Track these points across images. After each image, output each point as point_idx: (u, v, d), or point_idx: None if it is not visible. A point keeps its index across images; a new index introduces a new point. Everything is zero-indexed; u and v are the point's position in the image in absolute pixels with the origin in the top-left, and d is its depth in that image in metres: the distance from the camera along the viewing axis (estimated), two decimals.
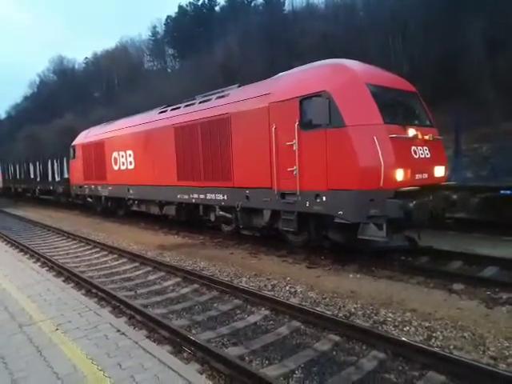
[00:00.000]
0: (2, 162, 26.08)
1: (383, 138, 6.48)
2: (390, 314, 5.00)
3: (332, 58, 8.47)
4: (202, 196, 10.31)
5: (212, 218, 10.56)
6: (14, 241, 11.81)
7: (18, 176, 29.95)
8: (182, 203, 11.41)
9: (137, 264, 8.66)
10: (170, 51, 58.50)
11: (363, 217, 6.52)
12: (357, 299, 5.67)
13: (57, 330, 4.09)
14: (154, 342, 4.59)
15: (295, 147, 7.46)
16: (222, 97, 9.87)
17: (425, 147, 7.13)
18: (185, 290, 6.74)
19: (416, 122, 7.51)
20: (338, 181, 6.80)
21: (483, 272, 6.64)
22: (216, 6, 56.06)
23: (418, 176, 6.89)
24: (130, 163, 13.64)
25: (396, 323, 4.76)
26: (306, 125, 7.34)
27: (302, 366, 4.00)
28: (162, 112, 12.36)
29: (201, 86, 24.04)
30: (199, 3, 56.55)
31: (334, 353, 4.23)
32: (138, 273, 8.05)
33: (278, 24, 33.69)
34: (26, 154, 37.07)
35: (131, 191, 13.72)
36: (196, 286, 6.88)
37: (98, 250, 10.44)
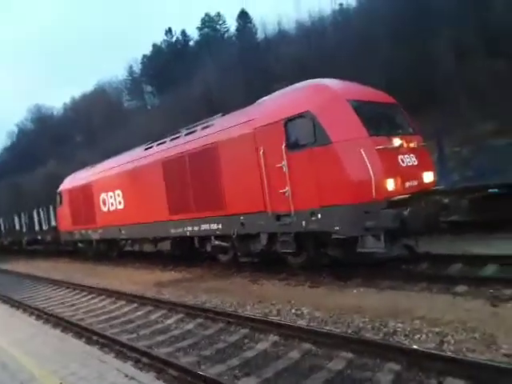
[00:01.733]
0: None
1: (370, 150, 6.59)
2: (399, 324, 4.97)
3: (304, 79, 8.58)
4: (195, 228, 10.13)
5: (208, 248, 10.34)
6: (4, 296, 11.45)
7: (2, 229, 29.37)
8: (176, 237, 11.17)
9: (136, 305, 8.45)
10: (148, 88, 59.38)
11: (360, 230, 6.55)
12: (364, 313, 5.61)
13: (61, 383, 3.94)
14: (165, 382, 4.46)
15: (285, 169, 7.51)
16: (208, 127, 9.91)
17: (411, 155, 7.26)
18: (189, 326, 6.58)
19: (400, 131, 7.66)
20: (330, 197, 6.85)
21: (484, 271, 6.71)
22: (190, 41, 57.58)
23: (408, 184, 6.99)
24: (120, 203, 13.40)
25: (406, 332, 4.72)
26: (293, 146, 7.45)
27: None
28: (148, 148, 12.33)
29: (181, 119, 24.30)
30: (173, 40, 58.04)
31: (349, 371, 4.16)
32: (138, 314, 7.85)
33: (252, 52, 34.60)
34: (9, 207, 36.38)
35: (123, 231, 13.40)
36: (200, 320, 6.72)
37: (94, 295, 10.18)
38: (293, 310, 6.30)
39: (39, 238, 22.18)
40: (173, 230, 10.93)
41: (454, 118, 15.43)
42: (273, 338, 5.37)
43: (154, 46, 58.57)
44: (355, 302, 6.17)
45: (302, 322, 5.68)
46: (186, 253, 11.58)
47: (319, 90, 7.67)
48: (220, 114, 10.19)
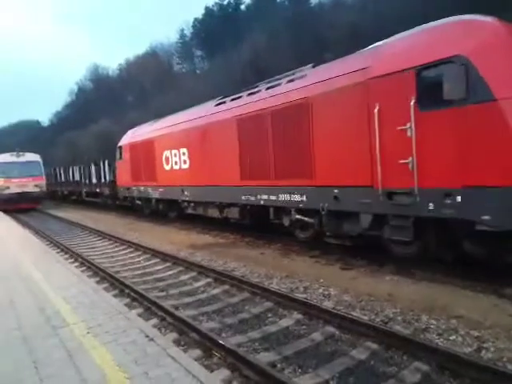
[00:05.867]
0: (45, 166, 27.11)
1: None
2: (433, 321, 4.65)
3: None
4: (272, 197, 8.86)
5: (286, 222, 9.01)
6: (54, 240, 12.26)
7: (62, 179, 31.07)
8: (247, 205, 10.10)
9: (169, 264, 8.68)
10: (198, 52, 59.23)
11: None
12: (395, 303, 5.34)
13: (88, 333, 4.06)
14: (184, 345, 4.51)
15: (410, 132, 5.87)
16: (295, 79, 8.44)
17: None
18: (215, 291, 6.65)
19: None
20: (482, 174, 5.21)
21: None
22: (242, 4, 56.22)
23: None
24: (184, 162, 12.45)
25: (440, 331, 4.41)
26: (427, 102, 5.72)
27: (338, 375, 3.77)
28: (219, 104, 11.02)
29: (229, 84, 24.00)
30: (225, 3, 56.87)
31: (372, 362, 3.96)
32: (170, 273, 8.06)
33: (305, 18, 33.16)
34: (68, 158, 38.39)
35: (186, 192, 12.53)
36: (227, 286, 6.77)
37: (132, 249, 10.58)
38: (320, 290, 6.14)
39: (98, 190, 22.54)
40: (244, 197, 9.80)
41: None
42: (297, 315, 5.26)
43: (206, 8, 57.75)
44: (387, 290, 5.88)
45: (328, 304, 5.51)
46: (257, 223, 10.51)
47: (475, 28, 5.70)
48: (311, 65, 8.55)
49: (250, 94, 9.81)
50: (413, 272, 6.62)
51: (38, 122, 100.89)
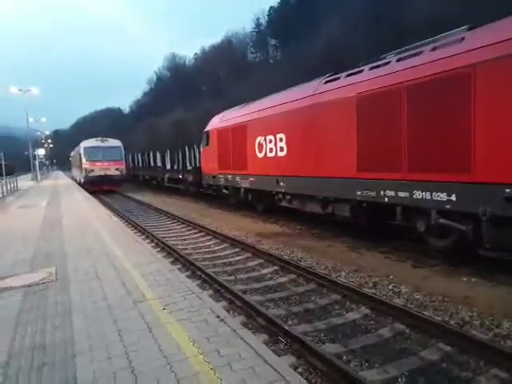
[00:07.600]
0: (126, 151, 28.97)
1: None
2: None
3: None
4: (403, 194, 7.22)
5: (421, 227, 7.31)
6: (133, 222, 13.30)
7: (143, 164, 33.11)
8: (362, 202, 8.51)
9: (237, 249, 8.98)
10: (273, 42, 59.24)
11: None
12: (472, 306, 5.03)
13: (164, 309, 4.38)
14: (251, 329, 4.69)
15: None
16: (443, 47, 6.75)
17: None
18: (282, 279, 6.76)
19: None
20: None
21: None
22: None
23: None
24: (281, 149, 11.20)
25: None
26: None
27: (407, 374, 3.68)
28: (330, 81, 9.51)
29: (301, 74, 23.74)
30: None
31: (445, 365, 3.80)
32: (238, 258, 8.33)
33: (384, 4, 31.43)
34: (147, 144, 40.72)
35: (281, 183, 11.29)
36: (293, 276, 6.85)
37: (203, 233, 11.08)
38: (390, 286, 5.97)
39: (180, 177, 22.86)
40: (360, 192, 8.24)
41: None
42: (364, 310, 5.19)
43: None
44: (463, 292, 5.55)
45: (398, 301, 5.36)
46: (375, 224, 8.86)
47: None
48: (466, 27, 6.78)
49: (372, 68, 8.23)
50: (493, 275, 6.14)
51: (119, 109, 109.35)
